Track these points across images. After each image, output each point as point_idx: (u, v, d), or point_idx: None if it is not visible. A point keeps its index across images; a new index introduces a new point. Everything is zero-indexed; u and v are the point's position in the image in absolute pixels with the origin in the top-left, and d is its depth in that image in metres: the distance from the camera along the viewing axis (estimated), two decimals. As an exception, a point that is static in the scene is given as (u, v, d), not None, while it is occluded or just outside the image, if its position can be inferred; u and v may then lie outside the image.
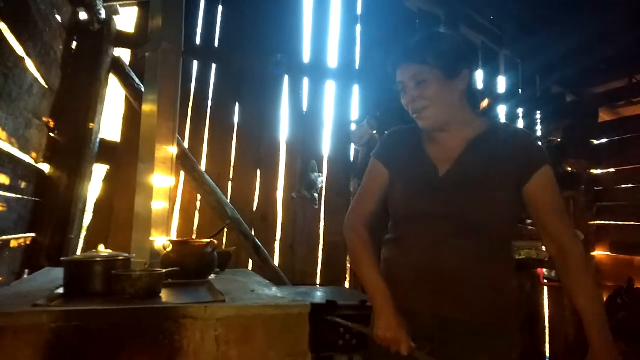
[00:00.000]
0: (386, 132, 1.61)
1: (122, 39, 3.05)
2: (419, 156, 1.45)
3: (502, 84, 4.08)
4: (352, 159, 3.63)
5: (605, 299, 3.28)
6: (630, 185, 3.41)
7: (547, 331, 3.54)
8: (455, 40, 1.40)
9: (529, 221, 2.94)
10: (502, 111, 4.00)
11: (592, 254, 3.53)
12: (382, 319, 1.35)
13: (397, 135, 1.56)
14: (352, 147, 3.61)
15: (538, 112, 3.95)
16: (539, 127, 3.95)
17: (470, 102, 1.41)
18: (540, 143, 3.76)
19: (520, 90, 4.04)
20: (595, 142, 3.65)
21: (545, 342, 3.52)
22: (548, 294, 3.47)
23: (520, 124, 3.99)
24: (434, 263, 1.33)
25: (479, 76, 3.97)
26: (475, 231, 1.31)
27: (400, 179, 1.46)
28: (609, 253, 3.47)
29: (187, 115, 3.19)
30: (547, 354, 3.53)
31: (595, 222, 3.56)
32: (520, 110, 4.00)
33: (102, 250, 1.77)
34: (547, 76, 3.86)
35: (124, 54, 3.06)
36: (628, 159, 3.42)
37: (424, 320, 1.35)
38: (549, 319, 3.52)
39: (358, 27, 3.76)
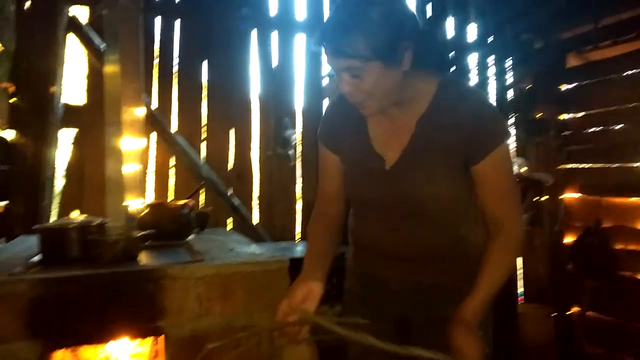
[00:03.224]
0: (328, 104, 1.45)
1: (79, -4, 2.89)
2: (363, 144, 1.32)
3: (472, 32, 4.05)
4: (325, 113, 3.60)
5: (574, 238, 3.42)
6: (597, 129, 3.49)
7: (520, 272, 3.68)
8: (391, 14, 1.10)
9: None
10: (472, 60, 4.00)
11: (561, 197, 3.64)
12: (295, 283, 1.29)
13: (339, 110, 1.36)
14: (326, 101, 3.58)
15: (508, 59, 3.95)
16: (509, 75, 3.96)
17: (421, 64, 1.18)
18: (511, 91, 3.84)
19: (490, 38, 4.02)
20: (564, 87, 3.70)
21: (517, 283, 3.67)
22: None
23: (491, 72, 4.00)
24: (391, 243, 1.35)
25: (449, 25, 3.94)
26: (428, 215, 1.29)
27: (348, 167, 1.39)
28: (578, 195, 3.58)
29: (153, 75, 3.09)
30: (521, 294, 3.70)
31: (565, 166, 3.65)
32: (491, 58, 3.99)
33: (77, 216, 1.75)
34: (516, 22, 3.84)
35: (81, 13, 2.92)
36: (596, 103, 3.48)
37: (392, 286, 1.39)
38: (522, 260, 3.67)
39: (325, -24, 3.65)
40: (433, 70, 1.26)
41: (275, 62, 3.44)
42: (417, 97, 1.23)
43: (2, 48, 2.30)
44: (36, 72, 2.60)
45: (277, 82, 3.43)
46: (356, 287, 1.51)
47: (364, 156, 1.32)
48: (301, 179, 3.51)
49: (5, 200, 2.48)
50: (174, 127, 3.14)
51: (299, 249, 2.92)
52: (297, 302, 1.21)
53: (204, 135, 3.24)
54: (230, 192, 3.22)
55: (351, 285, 1.53)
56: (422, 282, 1.35)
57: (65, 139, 2.87)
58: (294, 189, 3.49)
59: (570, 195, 3.64)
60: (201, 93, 3.24)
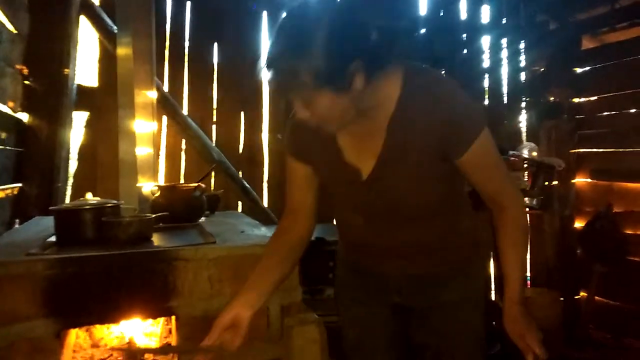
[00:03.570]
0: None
1: (90, -22, 2.90)
2: (334, 156, 1.24)
3: (485, 14, 3.99)
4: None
5: (584, 223, 3.41)
6: (611, 113, 3.44)
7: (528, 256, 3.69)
8: (335, 37, 0.98)
9: (511, 152, 2.99)
10: (485, 42, 3.95)
11: (572, 181, 3.62)
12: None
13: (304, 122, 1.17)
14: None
15: (522, 41, 3.89)
16: (522, 57, 3.90)
17: (378, 68, 1.07)
18: (523, 75, 3.79)
19: (504, 20, 3.96)
20: (578, 70, 3.64)
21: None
22: (529, 221, 3.58)
23: (504, 54, 3.95)
24: (379, 244, 1.33)
25: (462, 6, 3.88)
26: (413, 217, 1.27)
27: (324, 179, 1.33)
28: (589, 180, 3.56)
29: (164, 57, 3.10)
30: (529, 278, 3.71)
31: (576, 150, 3.62)
32: (504, 41, 3.94)
33: (90, 197, 1.78)
34: (531, 3, 3.78)
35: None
36: (610, 87, 3.43)
37: (384, 277, 1.38)
38: (531, 244, 3.66)
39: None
40: (395, 64, 1.14)
41: (285, 45, 3.42)
42: (382, 100, 1.13)
43: (16, 30, 2.32)
44: (50, 54, 2.62)
45: (287, 65, 3.42)
46: (347, 275, 1.50)
47: (337, 168, 1.24)
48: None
49: (19, 182, 2.52)
50: (185, 110, 3.16)
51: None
52: (220, 330, 1.14)
53: (214, 118, 3.26)
54: (240, 175, 3.25)
55: (342, 272, 1.53)
56: (415, 272, 1.34)
57: (79, 121, 2.90)
58: (304, 172, 3.50)
59: (581, 180, 3.62)
60: (212, 76, 3.25)
